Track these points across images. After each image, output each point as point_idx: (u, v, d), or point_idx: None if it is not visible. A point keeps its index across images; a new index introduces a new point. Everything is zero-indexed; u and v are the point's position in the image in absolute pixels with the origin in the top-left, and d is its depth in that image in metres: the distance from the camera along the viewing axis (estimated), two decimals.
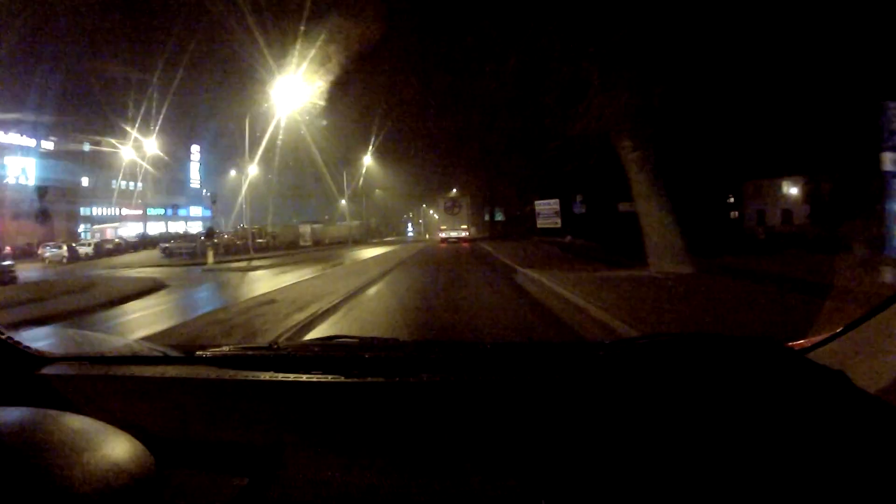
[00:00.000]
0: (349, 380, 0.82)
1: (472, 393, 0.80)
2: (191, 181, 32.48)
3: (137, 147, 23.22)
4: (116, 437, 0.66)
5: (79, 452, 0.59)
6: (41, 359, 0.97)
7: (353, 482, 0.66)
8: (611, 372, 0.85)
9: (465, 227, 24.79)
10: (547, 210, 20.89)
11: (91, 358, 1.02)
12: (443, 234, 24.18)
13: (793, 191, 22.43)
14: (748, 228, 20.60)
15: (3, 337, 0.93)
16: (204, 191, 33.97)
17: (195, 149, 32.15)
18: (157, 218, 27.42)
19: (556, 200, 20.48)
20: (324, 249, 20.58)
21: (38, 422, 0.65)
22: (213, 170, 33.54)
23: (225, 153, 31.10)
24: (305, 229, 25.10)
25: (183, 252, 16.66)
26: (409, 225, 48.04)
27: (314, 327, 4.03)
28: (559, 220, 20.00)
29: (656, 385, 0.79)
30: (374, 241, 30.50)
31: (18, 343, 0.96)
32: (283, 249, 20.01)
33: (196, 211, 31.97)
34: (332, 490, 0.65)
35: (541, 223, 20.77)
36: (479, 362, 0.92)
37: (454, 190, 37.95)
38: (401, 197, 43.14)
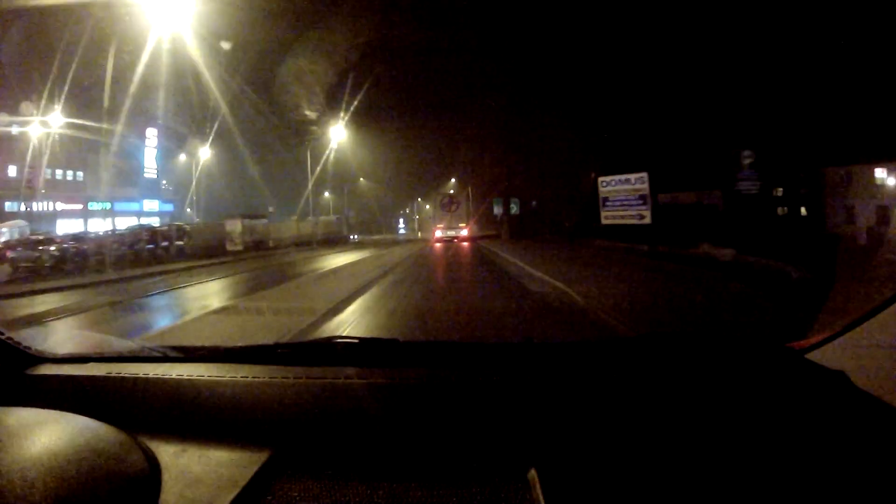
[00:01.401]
0: (350, 380, 0.94)
1: (472, 393, 0.91)
2: (145, 170, 31.66)
3: (80, 130, 22.28)
4: (115, 438, 0.74)
5: (77, 453, 0.66)
6: (40, 359, 1.10)
7: (354, 485, 0.75)
8: (610, 371, 0.96)
9: (463, 224, 24.34)
10: (623, 194, 12.82)
11: (90, 358, 1.14)
12: (439, 234, 23.56)
13: (890, 181, 19.49)
14: (833, 229, 17.63)
15: (3, 337, 1.06)
16: (164, 182, 33.29)
17: (151, 132, 31.33)
18: (102, 213, 26.58)
19: (644, 175, 12.48)
20: (255, 258, 15.75)
21: (37, 422, 0.72)
22: (174, 156, 32.68)
23: (190, 138, 30.18)
24: (234, 227, 19.46)
25: (41, 263, 11.88)
26: (401, 221, 47.69)
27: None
28: (648, 212, 12.26)
29: (655, 384, 0.90)
30: (356, 241, 28.36)
31: (18, 343, 1.08)
32: (192, 258, 15.29)
33: (152, 205, 31.20)
34: (332, 492, 0.74)
35: (609, 216, 13.20)
36: (480, 362, 1.03)
37: (452, 180, 36.38)
38: (394, 191, 42.12)
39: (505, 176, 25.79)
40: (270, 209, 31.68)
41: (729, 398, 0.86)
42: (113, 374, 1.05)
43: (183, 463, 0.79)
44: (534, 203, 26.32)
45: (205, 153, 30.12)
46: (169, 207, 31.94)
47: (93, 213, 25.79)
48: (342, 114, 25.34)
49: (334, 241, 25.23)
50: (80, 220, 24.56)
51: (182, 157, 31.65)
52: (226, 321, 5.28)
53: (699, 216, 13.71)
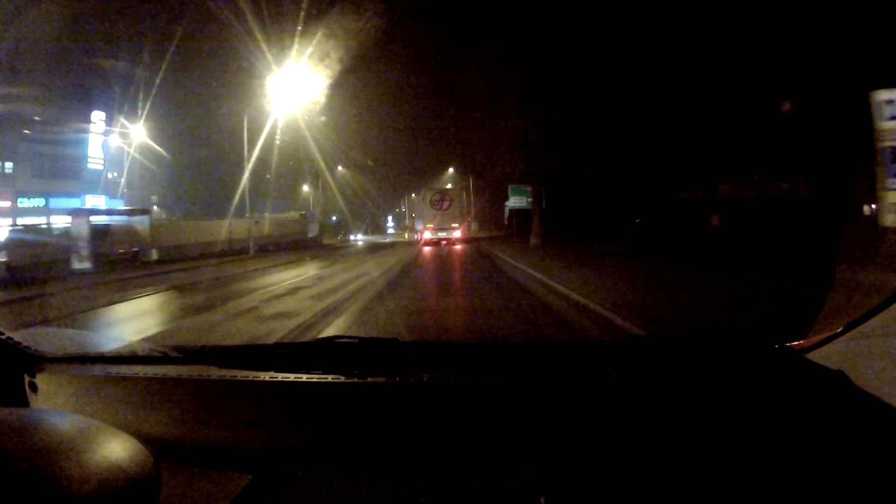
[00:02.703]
0: (349, 380, 1.02)
1: (472, 393, 0.98)
2: (89, 160, 31.16)
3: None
4: (115, 437, 0.81)
5: (77, 453, 0.72)
6: (41, 359, 1.22)
7: (355, 483, 0.81)
8: (611, 371, 1.03)
9: (456, 224, 23.29)
10: None
11: (91, 358, 1.27)
12: (428, 234, 22.73)
13: None
14: None
15: (3, 337, 1.17)
16: (114, 173, 32.79)
17: (97, 116, 30.85)
18: (36, 211, 26.06)
19: None
20: (79, 289, 9.81)
21: (37, 422, 0.79)
22: (128, 143, 32.16)
23: (144, 121, 29.67)
24: (80, 231, 12.95)
25: None
26: (390, 219, 47.46)
27: None
28: None
29: (656, 384, 0.98)
30: (357, 241, 26.15)
31: (18, 343, 1.20)
32: None
33: (97, 201, 30.67)
34: (333, 491, 0.80)
35: None
36: (480, 363, 1.11)
37: (450, 170, 35.09)
38: (383, 184, 41.51)
39: (535, 148, 17.26)
40: (154, 200, 27.63)
41: (728, 398, 0.94)
42: (113, 374, 1.15)
43: (184, 463, 0.87)
44: (539, 196, 20.16)
45: (170, 140, 29.48)
46: (118, 204, 31.41)
47: (24, 212, 25.22)
48: (304, 70, 20.34)
49: (299, 246, 22.87)
50: (9, 220, 23.92)
51: (139, 145, 30.95)
52: None
53: None
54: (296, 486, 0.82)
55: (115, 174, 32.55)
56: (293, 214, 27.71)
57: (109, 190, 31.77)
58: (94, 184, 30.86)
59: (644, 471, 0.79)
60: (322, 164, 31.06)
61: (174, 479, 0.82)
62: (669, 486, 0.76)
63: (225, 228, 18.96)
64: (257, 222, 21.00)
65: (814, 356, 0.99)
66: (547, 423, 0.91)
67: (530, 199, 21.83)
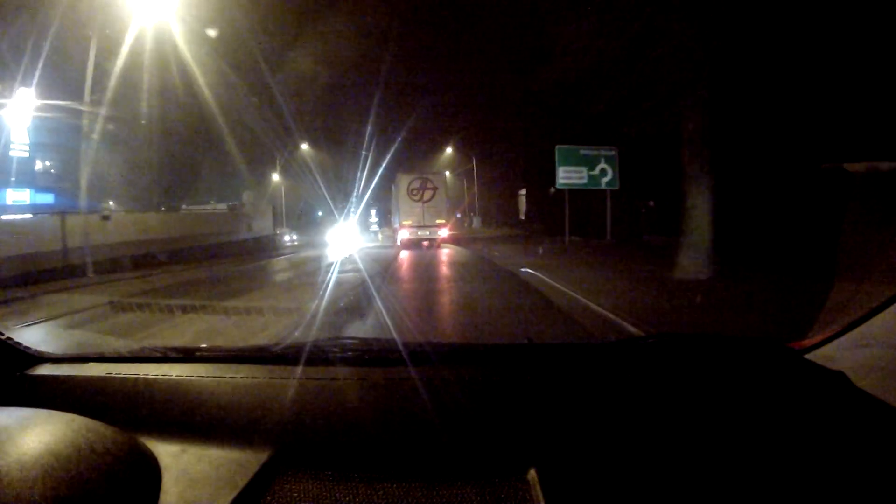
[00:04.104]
0: (348, 380, 1.12)
1: (471, 393, 1.06)
2: (12, 147, 29.38)
3: None
4: (115, 438, 0.85)
5: (76, 453, 0.76)
6: (41, 359, 1.30)
7: (354, 484, 0.86)
8: (613, 371, 1.13)
9: (441, 221, 20.70)
10: None
11: (90, 358, 1.35)
12: (406, 234, 20.48)
13: None
14: None
15: (3, 337, 1.25)
16: (45, 163, 31.10)
17: (24, 94, 29.16)
18: None
19: None
20: None
21: (37, 422, 0.82)
22: (64, 129, 30.59)
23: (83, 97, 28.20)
24: None
25: None
26: (373, 213, 43.59)
27: None
28: None
29: (655, 384, 1.06)
30: (246, 254, 19.76)
31: (18, 343, 1.28)
32: None
33: (20, 196, 28.99)
34: (333, 491, 0.85)
35: None
36: (479, 363, 1.22)
37: (448, 150, 32.03)
38: (373, 174, 39.12)
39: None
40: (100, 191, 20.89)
41: (729, 399, 1.00)
42: (113, 374, 1.22)
43: (183, 463, 0.90)
44: (703, 140, 8.29)
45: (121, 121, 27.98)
46: (48, 199, 29.73)
47: None
48: None
49: (213, 254, 17.25)
50: None
51: (52, 127, 29.23)
52: None
53: None
54: (295, 487, 0.86)
55: (48, 163, 30.86)
56: (221, 207, 20.70)
57: (39, 181, 30.15)
58: (21, 174, 29.12)
59: (644, 472, 0.83)
60: (279, 139, 24.62)
61: (173, 479, 0.85)
62: (670, 486, 0.80)
63: (62, 231, 11.81)
64: (106, 217, 13.51)
65: (814, 356, 1.05)
66: (548, 425, 0.97)
67: (602, 170, 13.88)
